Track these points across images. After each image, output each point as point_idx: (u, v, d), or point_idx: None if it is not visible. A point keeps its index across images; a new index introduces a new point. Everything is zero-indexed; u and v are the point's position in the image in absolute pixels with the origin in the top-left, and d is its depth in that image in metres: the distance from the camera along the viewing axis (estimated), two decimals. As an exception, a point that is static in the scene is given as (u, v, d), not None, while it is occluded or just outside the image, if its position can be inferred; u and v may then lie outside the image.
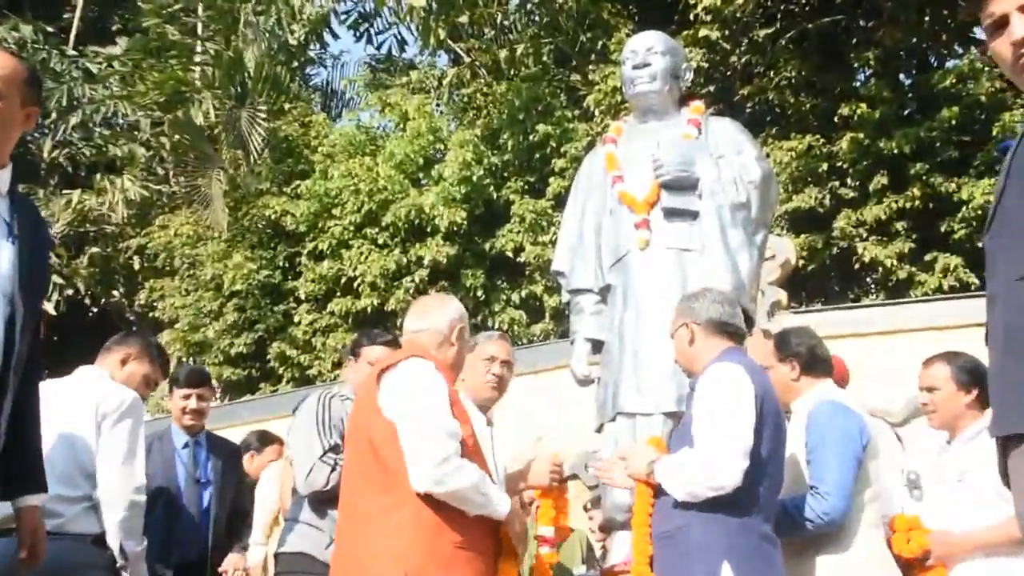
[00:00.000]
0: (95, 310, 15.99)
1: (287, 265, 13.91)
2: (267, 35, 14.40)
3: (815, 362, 3.70)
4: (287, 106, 15.33)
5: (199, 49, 14.99)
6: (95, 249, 15.30)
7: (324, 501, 3.94)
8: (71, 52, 15.10)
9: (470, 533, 3.03)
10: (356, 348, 4.27)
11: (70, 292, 14.78)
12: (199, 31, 15.19)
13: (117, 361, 4.15)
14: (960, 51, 13.04)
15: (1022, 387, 1.74)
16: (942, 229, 11.31)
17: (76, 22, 15.77)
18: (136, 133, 15.61)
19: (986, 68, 11.43)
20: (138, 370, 4.16)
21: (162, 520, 4.50)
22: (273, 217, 13.69)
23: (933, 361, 3.70)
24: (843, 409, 3.56)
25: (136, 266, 15.44)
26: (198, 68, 14.96)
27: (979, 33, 12.86)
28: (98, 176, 14.79)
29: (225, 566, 4.76)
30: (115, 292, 15.90)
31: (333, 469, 3.86)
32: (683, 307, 3.45)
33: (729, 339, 3.34)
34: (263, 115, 14.05)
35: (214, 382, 13.74)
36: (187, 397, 4.81)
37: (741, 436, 3.05)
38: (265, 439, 6.24)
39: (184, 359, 13.47)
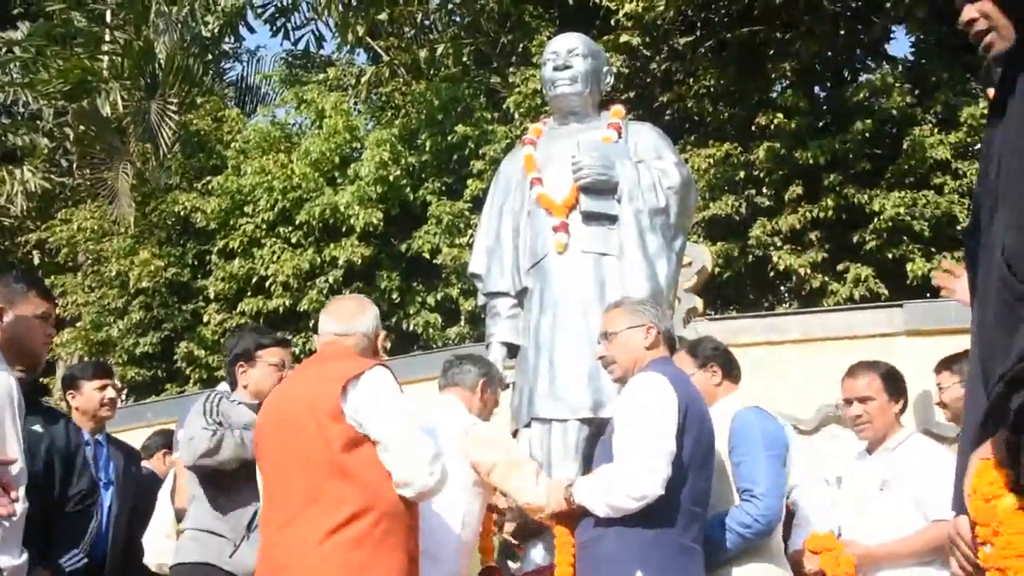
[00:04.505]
0: (-9, 306, 15.36)
1: (196, 263, 13.57)
2: (179, 26, 14.00)
3: (732, 367, 3.68)
4: (199, 100, 14.95)
5: (107, 38, 14.52)
6: (-8, 242, 14.74)
7: (219, 487, 3.79)
8: (-33, 35, 14.54)
9: (415, 542, 3.10)
10: (256, 351, 4.11)
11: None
12: (107, 19, 14.70)
13: None
14: (873, 66, 13.33)
15: None
16: (854, 239, 11.51)
17: (-27, 4, 15.20)
18: (38, 122, 15.06)
19: (897, 83, 11.69)
20: None
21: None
22: (182, 213, 13.34)
23: (859, 372, 3.65)
24: (766, 414, 3.52)
25: (36, 261, 14.93)
26: (106, 57, 14.48)
27: (891, 49, 13.23)
28: (-5, 166, 14.23)
29: None
30: (13, 288, 15.30)
31: (214, 434, 3.70)
32: (643, 309, 3.34)
33: (670, 350, 3.35)
34: (174, 108, 13.67)
35: (116, 382, 13.46)
36: (103, 388, 4.66)
37: (662, 445, 2.96)
38: None
39: (86, 358, 13.03)
